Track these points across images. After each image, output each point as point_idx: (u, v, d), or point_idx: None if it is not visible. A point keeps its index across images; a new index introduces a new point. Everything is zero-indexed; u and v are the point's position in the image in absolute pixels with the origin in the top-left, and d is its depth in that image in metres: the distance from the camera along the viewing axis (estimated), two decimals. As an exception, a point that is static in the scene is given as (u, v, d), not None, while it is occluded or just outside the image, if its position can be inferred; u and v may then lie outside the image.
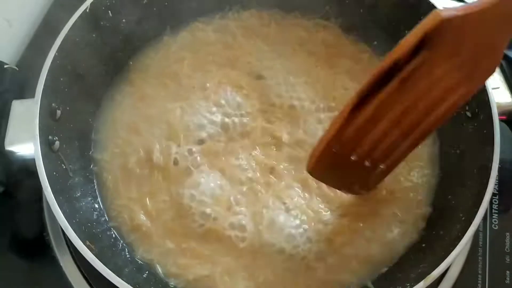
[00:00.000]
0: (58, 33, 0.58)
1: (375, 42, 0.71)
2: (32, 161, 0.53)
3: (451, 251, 0.47)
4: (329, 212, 0.59)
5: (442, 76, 0.44)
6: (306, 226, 0.57)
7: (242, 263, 0.56)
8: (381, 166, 0.52)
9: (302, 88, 0.66)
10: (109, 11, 0.64)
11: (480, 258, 0.62)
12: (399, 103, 0.45)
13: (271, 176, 0.60)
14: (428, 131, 0.49)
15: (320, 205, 0.59)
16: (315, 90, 0.66)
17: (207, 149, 0.61)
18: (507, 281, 0.60)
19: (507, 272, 0.61)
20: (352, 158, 0.49)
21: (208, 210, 0.57)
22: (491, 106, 0.56)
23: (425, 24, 0.40)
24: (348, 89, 0.66)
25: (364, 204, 0.59)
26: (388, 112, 0.45)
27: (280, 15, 0.74)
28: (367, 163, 0.50)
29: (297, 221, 0.57)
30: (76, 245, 0.47)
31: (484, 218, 0.64)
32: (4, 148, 0.54)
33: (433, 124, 0.49)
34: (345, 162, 0.49)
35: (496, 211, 0.65)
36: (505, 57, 0.62)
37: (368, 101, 0.43)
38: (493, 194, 0.66)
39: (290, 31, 0.72)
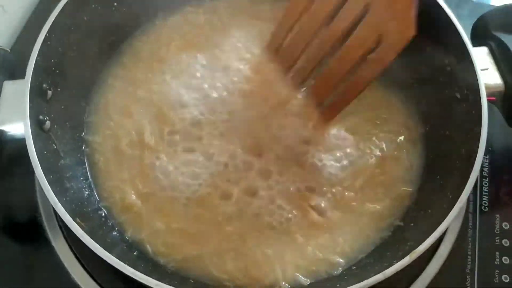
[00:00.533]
0: (51, 16, 0.59)
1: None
2: (23, 141, 0.53)
3: (437, 227, 0.48)
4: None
5: None
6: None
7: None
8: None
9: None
10: (100, -6, 0.65)
11: (470, 239, 0.63)
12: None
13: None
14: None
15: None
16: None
17: (197, 128, 0.62)
18: (497, 262, 0.61)
19: (497, 253, 0.62)
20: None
21: (198, 189, 0.58)
22: (479, 87, 0.56)
23: None
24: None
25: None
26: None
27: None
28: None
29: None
30: (66, 221, 0.47)
31: (474, 200, 0.65)
32: (-5, 127, 0.54)
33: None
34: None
35: (486, 193, 0.66)
36: (494, 38, 0.62)
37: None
38: (483, 177, 0.67)
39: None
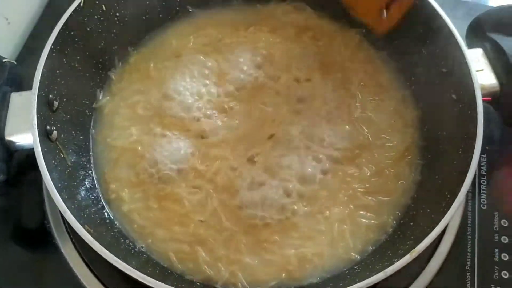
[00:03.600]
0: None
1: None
2: (32, 150, 0.55)
3: (436, 226, 0.49)
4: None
5: None
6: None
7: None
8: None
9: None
10: (103, 6, 0.66)
11: (469, 237, 0.64)
12: None
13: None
14: None
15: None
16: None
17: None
18: (496, 259, 0.62)
19: (496, 249, 0.63)
20: None
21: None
22: (474, 88, 0.57)
23: None
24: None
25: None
26: None
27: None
28: None
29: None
30: (75, 228, 0.49)
31: (473, 198, 0.66)
32: (4, 138, 0.56)
33: None
34: None
35: (485, 192, 0.67)
36: (489, 39, 0.63)
37: None
38: (481, 175, 0.68)
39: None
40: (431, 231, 0.49)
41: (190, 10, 0.76)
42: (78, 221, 0.50)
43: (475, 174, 0.53)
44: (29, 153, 0.60)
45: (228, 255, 0.57)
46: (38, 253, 0.63)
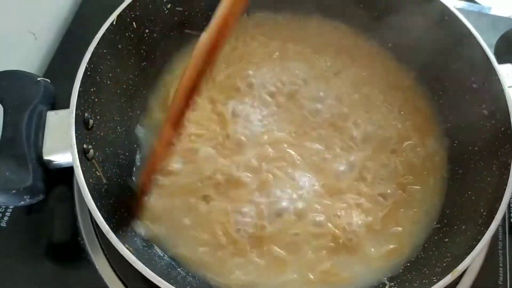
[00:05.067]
0: (83, 44, 0.60)
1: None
2: (67, 169, 0.56)
3: (475, 245, 0.49)
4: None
5: None
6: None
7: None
8: None
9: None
10: (134, 23, 0.67)
11: (500, 251, 0.64)
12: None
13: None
14: None
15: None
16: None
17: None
18: (528, 273, 0.62)
19: (527, 264, 0.63)
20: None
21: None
22: (507, 104, 0.58)
23: None
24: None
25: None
26: None
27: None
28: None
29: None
30: (118, 249, 0.49)
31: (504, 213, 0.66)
32: (43, 158, 0.56)
33: None
34: None
35: (515, 205, 0.67)
36: (519, 55, 0.64)
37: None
38: (513, 189, 0.68)
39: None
40: (471, 250, 0.49)
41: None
42: (120, 240, 0.50)
43: (508, 189, 0.53)
44: (65, 172, 0.61)
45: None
46: (72, 269, 0.63)
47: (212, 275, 0.59)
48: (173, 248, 0.60)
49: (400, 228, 0.62)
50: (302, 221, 0.60)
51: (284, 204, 0.61)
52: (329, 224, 0.60)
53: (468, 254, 0.49)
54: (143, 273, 0.49)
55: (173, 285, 0.49)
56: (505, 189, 0.52)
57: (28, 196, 0.54)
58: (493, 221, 0.50)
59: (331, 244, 0.60)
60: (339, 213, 0.61)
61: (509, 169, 0.53)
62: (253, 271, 0.59)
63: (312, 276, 0.58)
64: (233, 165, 0.63)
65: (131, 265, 0.49)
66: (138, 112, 0.70)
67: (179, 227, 0.61)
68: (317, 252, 0.59)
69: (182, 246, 0.60)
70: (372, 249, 0.60)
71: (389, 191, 0.63)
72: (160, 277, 0.48)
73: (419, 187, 0.64)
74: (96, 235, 0.63)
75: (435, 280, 0.49)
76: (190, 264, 0.59)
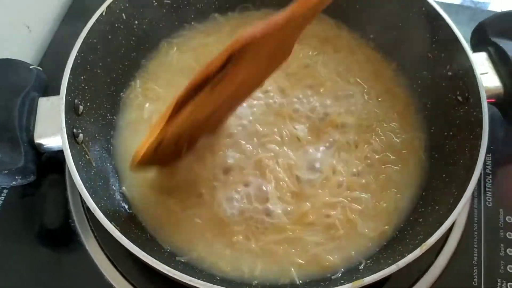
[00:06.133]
0: (76, 36, 0.63)
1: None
2: (57, 153, 0.58)
3: (445, 221, 0.52)
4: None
5: (244, 77, 0.54)
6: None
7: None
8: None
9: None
10: (123, 14, 0.69)
11: (475, 233, 0.66)
12: (210, 103, 0.54)
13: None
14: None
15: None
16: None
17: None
18: (502, 254, 0.65)
19: (501, 245, 0.65)
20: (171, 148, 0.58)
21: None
22: (479, 90, 0.60)
23: (230, 46, 0.48)
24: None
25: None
26: (201, 111, 0.55)
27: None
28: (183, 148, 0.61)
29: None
30: (105, 226, 0.51)
31: (478, 196, 0.69)
32: (34, 141, 0.59)
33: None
34: (163, 152, 0.58)
35: (490, 190, 0.70)
36: (492, 43, 0.66)
37: (185, 105, 0.53)
38: (487, 174, 0.71)
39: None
40: (440, 226, 0.52)
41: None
42: (106, 217, 0.52)
43: (480, 173, 0.55)
44: (55, 156, 0.64)
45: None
46: (64, 251, 0.65)
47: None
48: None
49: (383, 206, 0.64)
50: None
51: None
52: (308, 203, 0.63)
53: (437, 229, 0.51)
54: (127, 247, 0.51)
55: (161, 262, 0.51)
56: (474, 169, 0.55)
57: (20, 177, 0.57)
58: (462, 198, 0.53)
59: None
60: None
61: (479, 150, 0.56)
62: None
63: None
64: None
65: (120, 245, 0.51)
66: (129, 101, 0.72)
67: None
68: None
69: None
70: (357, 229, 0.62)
71: (367, 171, 0.65)
72: (145, 251, 0.51)
73: (398, 168, 0.67)
74: (87, 217, 0.66)
75: (406, 254, 0.51)
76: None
